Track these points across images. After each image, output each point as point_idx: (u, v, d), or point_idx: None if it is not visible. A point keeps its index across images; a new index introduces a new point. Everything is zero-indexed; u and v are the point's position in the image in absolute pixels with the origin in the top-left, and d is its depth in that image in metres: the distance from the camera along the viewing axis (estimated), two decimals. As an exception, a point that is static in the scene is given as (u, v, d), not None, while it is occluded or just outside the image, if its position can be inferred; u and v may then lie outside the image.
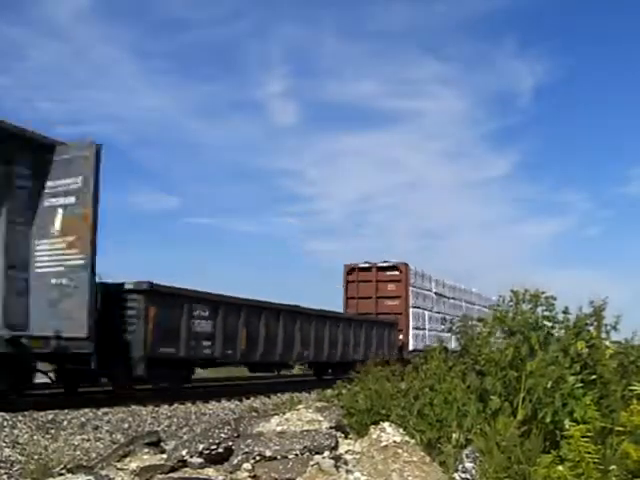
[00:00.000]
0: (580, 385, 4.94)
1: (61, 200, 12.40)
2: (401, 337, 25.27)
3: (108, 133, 71.33)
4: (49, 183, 12.47)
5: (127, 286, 13.43)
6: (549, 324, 5.81)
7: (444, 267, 69.92)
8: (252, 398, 15.90)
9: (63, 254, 12.35)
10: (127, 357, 13.24)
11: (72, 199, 12.30)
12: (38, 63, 65.20)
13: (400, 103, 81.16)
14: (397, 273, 26.13)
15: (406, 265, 26.24)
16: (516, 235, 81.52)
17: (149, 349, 13.41)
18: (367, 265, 26.41)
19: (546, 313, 5.83)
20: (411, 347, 25.39)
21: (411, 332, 25.96)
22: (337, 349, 20.64)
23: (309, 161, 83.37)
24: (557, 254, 76.16)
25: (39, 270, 12.39)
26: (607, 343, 5.76)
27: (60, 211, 12.35)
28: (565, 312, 5.84)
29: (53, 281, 12.28)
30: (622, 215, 78.59)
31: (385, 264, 26.29)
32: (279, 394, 16.56)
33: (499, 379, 5.35)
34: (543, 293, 5.86)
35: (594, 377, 5.27)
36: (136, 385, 14.24)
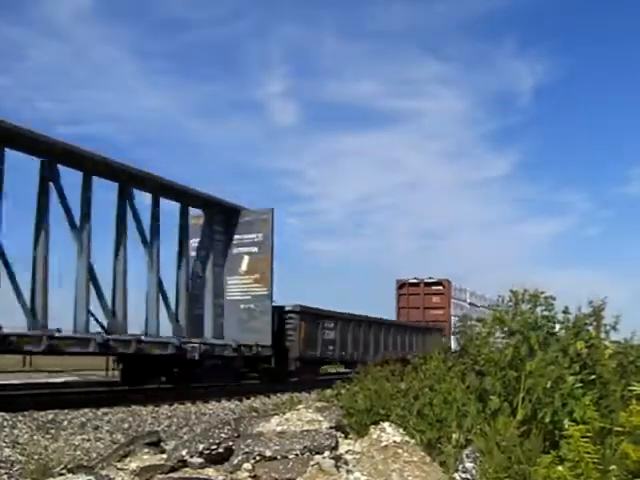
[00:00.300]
0: (579, 385, 4.94)
1: (246, 249, 17.90)
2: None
3: (108, 133, 71.39)
4: (236, 236, 17.98)
5: (287, 308, 18.96)
6: (549, 324, 5.81)
7: (444, 267, 70.02)
8: (252, 398, 15.92)
9: (250, 287, 17.89)
10: (286, 358, 18.66)
11: (255, 249, 17.83)
12: (38, 63, 65.30)
13: (400, 103, 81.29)
14: (441, 288, 31.33)
15: (448, 281, 31.46)
16: (516, 235, 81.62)
17: (301, 352, 18.96)
18: (416, 281, 31.70)
19: (545, 313, 5.83)
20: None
21: (452, 337, 30.30)
22: (405, 349, 25.23)
23: (309, 161, 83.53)
24: (557, 254, 76.24)
25: (230, 298, 17.90)
26: (607, 343, 5.76)
27: (246, 257, 17.84)
28: (565, 312, 5.84)
29: (242, 306, 17.81)
30: (622, 215, 78.68)
31: (431, 280, 31.46)
32: (279, 394, 16.57)
33: (499, 379, 5.35)
34: (542, 293, 5.86)
35: (593, 377, 5.27)
36: (290, 378, 19.10)
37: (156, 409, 12.72)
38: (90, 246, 14.08)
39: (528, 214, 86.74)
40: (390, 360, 9.51)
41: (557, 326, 5.84)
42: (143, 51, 73.24)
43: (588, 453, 3.63)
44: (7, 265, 12.62)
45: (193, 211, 17.54)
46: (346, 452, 5.09)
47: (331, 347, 20.69)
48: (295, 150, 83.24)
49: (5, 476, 7.04)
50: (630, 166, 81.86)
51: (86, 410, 11.37)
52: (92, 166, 14.14)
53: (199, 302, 17.24)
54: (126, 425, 10.91)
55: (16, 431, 9.45)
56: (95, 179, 14.37)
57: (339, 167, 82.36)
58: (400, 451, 4.85)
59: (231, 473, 4.85)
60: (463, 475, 4.52)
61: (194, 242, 17.58)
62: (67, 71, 70.19)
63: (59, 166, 13.56)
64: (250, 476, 4.78)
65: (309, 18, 73.15)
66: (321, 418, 5.73)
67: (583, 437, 3.70)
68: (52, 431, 9.75)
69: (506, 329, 5.87)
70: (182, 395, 14.66)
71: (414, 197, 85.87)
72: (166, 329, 16.21)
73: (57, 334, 12.76)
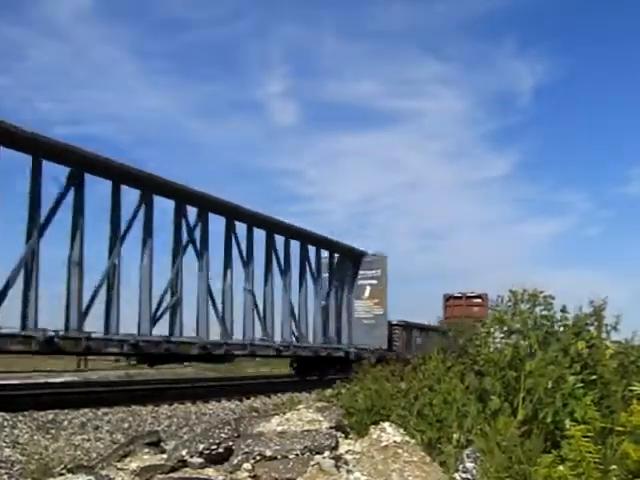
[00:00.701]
0: (580, 385, 4.93)
1: (368, 282, 25.18)
2: None
3: (108, 133, 71.50)
4: (360, 272, 25.24)
5: (394, 322, 26.34)
6: (547, 323, 5.80)
7: (444, 267, 70.03)
8: (252, 398, 15.92)
9: (371, 308, 25.22)
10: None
11: (375, 281, 25.10)
12: (38, 63, 65.33)
13: (400, 103, 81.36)
14: (479, 300, 35.15)
15: (486, 294, 34.89)
16: (516, 235, 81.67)
17: (403, 353, 23.62)
18: (459, 295, 36.96)
19: (544, 312, 5.82)
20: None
21: None
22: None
23: (309, 161, 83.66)
24: (557, 254, 76.18)
25: (356, 316, 25.12)
26: (608, 343, 5.75)
27: (368, 287, 25.17)
28: (563, 311, 5.83)
29: (365, 322, 25.11)
30: (622, 215, 78.65)
31: (471, 294, 36.42)
32: (279, 394, 16.58)
33: (498, 379, 5.35)
34: (541, 293, 5.84)
35: (594, 377, 5.26)
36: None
37: (156, 409, 12.72)
38: (288, 287, 21.14)
39: (528, 214, 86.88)
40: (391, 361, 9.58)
41: (555, 326, 5.83)
42: (143, 51, 73.40)
43: (589, 453, 3.63)
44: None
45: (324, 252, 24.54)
46: (346, 452, 5.08)
47: (418, 350, 26.66)
48: (295, 150, 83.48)
49: (5, 476, 7.03)
50: (630, 166, 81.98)
51: (86, 410, 11.37)
52: (274, 226, 20.36)
53: (339, 318, 24.61)
54: (126, 425, 10.91)
55: (16, 431, 9.45)
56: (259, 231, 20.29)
57: (339, 167, 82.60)
58: (400, 451, 4.85)
59: (231, 473, 4.84)
60: (463, 475, 4.51)
61: (329, 276, 24.67)
62: (67, 71, 70.30)
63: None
64: (250, 476, 4.78)
65: (309, 18, 73.33)
66: (321, 418, 5.73)
67: (584, 437, 3.70)
68: (52, 431, 9.75)
69: (506, 329, 5.86)
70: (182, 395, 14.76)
71: (414, 197, 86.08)
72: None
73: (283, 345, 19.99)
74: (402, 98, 77.29)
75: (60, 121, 70.34)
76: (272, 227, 20.31)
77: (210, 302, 17.33)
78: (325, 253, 24.15)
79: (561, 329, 5.76)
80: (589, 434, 3.76)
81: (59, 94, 73.14)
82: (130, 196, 15.40)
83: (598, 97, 75.61)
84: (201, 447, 5.04)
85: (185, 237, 16.91)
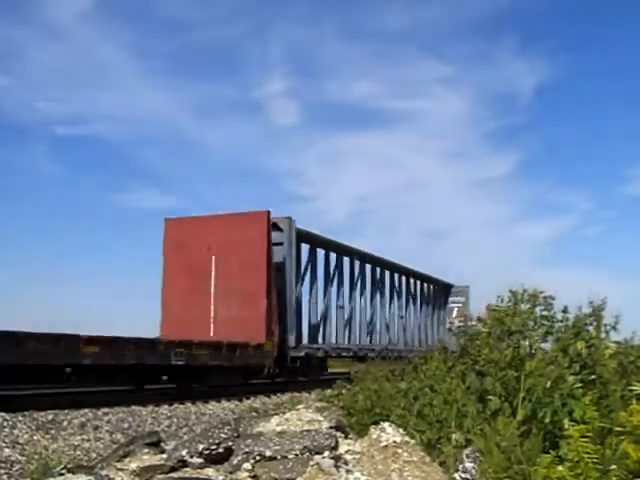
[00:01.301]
0: (579, 385, 4.93)
1: (455, 305, 36.11)
2: None
3: (108, 133, 71.41)
4: (450, 299, 36.67)
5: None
6: (547, 323, 5.80)
7: (444, 267, 70.06)
8: (252, 398, 15.91)
9: (455, 322, 32.56)
10: None
11: (460, 305, 35.62)
12: (38, 63, 65.21)
13: (400, 103, 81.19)
14: None
15: None
16: (516, 235, 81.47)
17: None
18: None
19: (545, 313, 5.82)
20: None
21: None
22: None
23: (309, 161, 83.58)
24: (557, 254, 76.03)
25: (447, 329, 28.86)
26: (609, 343, 5.75)
27: (456, 309, 35.69)
28: (564, 311, 5.84)
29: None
30: (623, 215, 78.49)
31: None
32: (279, 394, 16.58)
33: (499, 379, 5.35)
34: (541, 293, 5.85)
35: (593, 377, 5.26)
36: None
37: (156, 409, 12.72)
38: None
39: (528, 214, 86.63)
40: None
41: (554, 326, 5.83)
42: (143, 51, 73.14)
43: (588, 453, 3.63)
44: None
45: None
46: (346, 452, 5.09)
47: None
48: (295, 150, 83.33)
49: (5, 476, 7.03)
50: (630, 166, 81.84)
51: (86, 410, 11.37)
52: (413, 274, 31.50)
53: (438, 331, 33.50)
54: (126, 425, 10.91)
55: (16, 431, 9.45)
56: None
57: (339, 167, 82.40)
58: (400, 451, 4.85)
59: (231, 473, 4.85)
60: (463, 475, 4.51)
61: (433, 302, 34.85)
62: (67, 71, 70.14)
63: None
64: (250, 476, 4.79)
65: (309, 18, 73.05)
66: (321, 418, 5.74)
67: (583, 437, 3.70)
68: (52, 431, 9.75)
69: (506, 329, 5.87)
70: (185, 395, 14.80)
71: (414, 197, 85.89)
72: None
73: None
74: (402, 98, 77.04)
75: (60, 121, 70.34)
76: (409, 274, 31.28)
77: (396, 326, 30.00)
78: (431, 286, 34.87)
79: (562, 329, 5.76)
80: (588, 434, 3.76)
81: (59, 94, 73.02)
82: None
83: (598, 97, 75.54)
84: (201, 447, 5.05)
85: (387, 291, 29.17)
